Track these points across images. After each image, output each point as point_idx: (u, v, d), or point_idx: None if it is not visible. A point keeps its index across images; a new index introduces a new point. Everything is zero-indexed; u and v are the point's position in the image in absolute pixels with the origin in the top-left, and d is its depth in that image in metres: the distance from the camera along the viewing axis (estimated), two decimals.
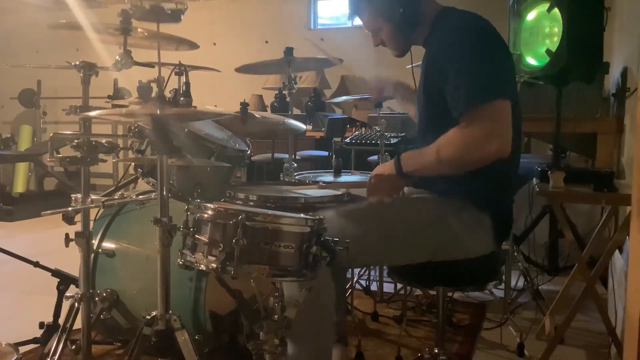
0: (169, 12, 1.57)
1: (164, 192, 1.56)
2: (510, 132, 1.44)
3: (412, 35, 1.69)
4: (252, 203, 1.67)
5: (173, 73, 1.74)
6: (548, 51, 2.12)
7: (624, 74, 2.91)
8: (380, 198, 1.59)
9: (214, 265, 1.30)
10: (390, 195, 1.60)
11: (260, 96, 5.48)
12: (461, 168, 1.49)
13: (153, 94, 1.63)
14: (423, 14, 1.66)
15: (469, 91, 1.45)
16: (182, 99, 1.64)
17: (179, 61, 1.74)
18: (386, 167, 1.59)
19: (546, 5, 2.15)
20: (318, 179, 2.28)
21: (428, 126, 1.67)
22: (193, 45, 1.93)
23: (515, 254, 2.92)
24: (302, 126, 2.34)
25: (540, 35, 2.22)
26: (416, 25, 1.66)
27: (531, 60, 2.29)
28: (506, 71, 1.56)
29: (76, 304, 1.86)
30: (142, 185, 2.16)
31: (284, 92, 4.48)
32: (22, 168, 6.03)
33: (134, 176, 2.18)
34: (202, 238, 1.33)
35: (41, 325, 2.09)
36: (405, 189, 1.83)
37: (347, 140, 3.40)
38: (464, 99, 1.46)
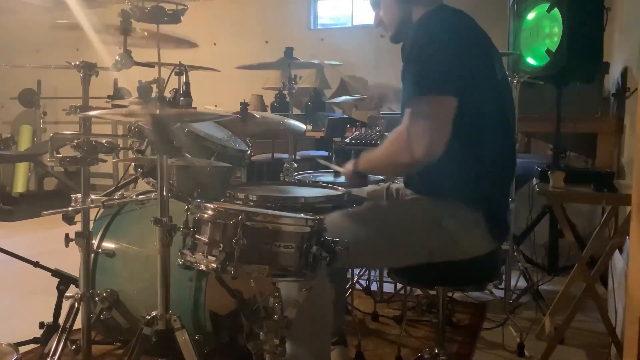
0: (170, 12, 1.56)
1: (164, 192, 1.56)
2: (445, 132, 1.42)
3: (408, 13, 1.67)
4: (252, 203, 1.67)
5: (173, 73, 1.73)
6: (548, 51, 2.12)
7: (624, 74, 2.91)
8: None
9: (214, 265, 1.30)
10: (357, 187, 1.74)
11: (260, 96, 5.48)
12: (394, 168, 1.59)
13: (153, 94, 1.63)
14: None
15: (412, 84, 1.48)
16: (182, 99, 1.63)
17: (179, 61, 1.73)
18: (349, 165, 1.70)
19: (546, 5, 2.16)
20: (318, 178, 2.28)
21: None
22: (193, 45, 1.93)
23: (515, 254, 2.92)
24: (302, 126, 2.34)
25: (540, 35, 2.23)
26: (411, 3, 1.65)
27: (531, 60, 2.29)
28: (462, 67, 1.47)
29: (76, 304, 1.86)
30: (142, 185, 2.16)
31: (284, 92, 4.48)
32: (22, 168, 6.03)
33: (134, 176, 2.18)
34: (202, 238, 1.33)
35: (41, 325, 2.09)
36: (401, 190, 1.85)
37: (347, 140, 3.39)
38: (407, 93, 1.49)
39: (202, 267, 1.34)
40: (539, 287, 2.82)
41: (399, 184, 1.91)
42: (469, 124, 1.48)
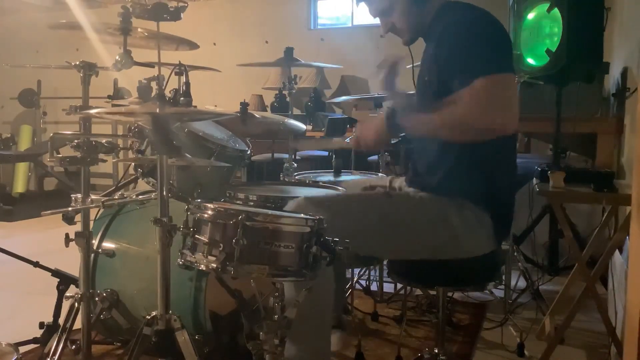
0: (171, 8, 1.56)
1: (164, 192, 1.56)
2: (517, 108, 1.44)
3: (424, 12, 1.67)
4: (252, 203, 1.67)
5: (173, 73, 1.73)
6: (548, 51, 2.12)
7: (624, 74, 2.91)
8: (360, 144, 1.67)
9: (214, 265, 1.30)
10: (372, 144, 1.67)
11: (260, 96, 5.48)
12: (462, 133, 1.47)
13: (153, 94, 1.63)
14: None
15: (478, 64, 1.45)
16: (182, 98, 1.64)
17: (179, 61, 1.74)
18: (377, 118, 1.64)
19: (546, 5, 2.15)
20: (318, 179, 2.28)
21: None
22: (193, 45, 1.93)
23: (515, 254, 2.92)
24: (302, 126, 2.35)
25: (540, 35, 2.22)
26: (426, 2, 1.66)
27: (531, 60, 2.29)
28: (507, 54, 1.57)
29: (76, 304, 1.86)
30: (142, 185, 2.16)
31: (284, 92, 4.49)
32: (22, 168, 6.03)
33: (134, 176, 2.18)
34: (202, 238, 1.33)
35: (41, 325, 2.09)
36: (405, 187, 1.84)
37: (347, 140, 3.39)
38: (475, 70, 1.44)
39: (202, 267, 1.34)
40: (539, 287, 2.82)
41: (400, 181, 1.91)
42: None
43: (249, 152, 2.16)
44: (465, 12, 1.60)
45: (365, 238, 1.51)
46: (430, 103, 1.65)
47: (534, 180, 2.25)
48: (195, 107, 1.68)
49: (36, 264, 2.18)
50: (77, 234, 1.80)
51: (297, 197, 1.76)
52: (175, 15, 1.58)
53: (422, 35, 1.72)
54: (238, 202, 1.70)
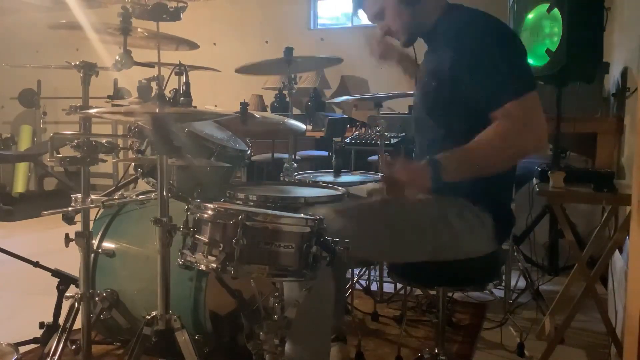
0: (171, 9, 1.57)
1: (164, 192, 1.56)
2: (545, 125, 1.45)
3: (417, 13, 1.65)
4: (252, 203, 1.67)
5: (173, 73, 1.73)
6: (548, 51, 2.12)
7: (624, 74, 2.91)
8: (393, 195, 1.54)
9: (214, 265, 1.30)
10: (411, 195, 1.56)
11: (260, 96, 5.48)
12: (500, 166, 1.50)
13: (153, 94, 1.63)
14: None
15: (500, 86, 1.46)
16: (182, 99, 1.64)
17: (179, 61, 1.74)
18: (419, 167, 1.47)
19: (546, 5, 2.15)
20: (318, 179, 2.28)
21: (439, 116, 1.65)
22: (193, 45, 1.93)
23: (515, 254, 2.92)
24: (302, 126, 2.34)
25: (540, 35, 2.22)
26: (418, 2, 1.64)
27: (531, 61, 2.29)
28: (528, 65, 1.60)
29: (76, 304, 1.86)
30: (142, 185, 2.16)
31: (284, 92, 4.48)
32: (22, 168, 6.03)
33: (134, 176, 2.18)
34: (202, 238, 1.33)
35: (41, 325, 2.09)
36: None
37: (347, 140, 3.39)
38: (496, 94, 1.45)
39: (202, 267, 1.34)
40: (539, 287, 2.82)
41: None
42: (483, 123, 1.48)
43: (249, 152, 2.16)
44: (479, 20, 1.58)
45: (368, 244, 1.50)
46: (434, 107, 1.65)
47: (534, 180, 2.25)
48: (195, 107, 1.68)
49: (36, 264, 2.18)
50: (77, 234, 1.80)
51: (297, 197, 1.76)
52: (175, 15, 1.58)
53: (423, 36, 1.71)
54: (238, 202, 1.69)
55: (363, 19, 1.78)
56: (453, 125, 1.59)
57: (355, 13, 1.79)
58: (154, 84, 1.72)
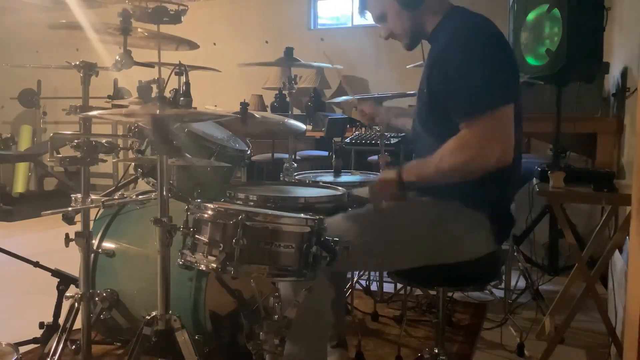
0: (171, 12, 1.56)
1: (164, 192, 1.56)
2: (512, 140, 1.42)
3: (418, 17, 1.64)
4: (252, 203, 1.67)
5: (173, 73, 1.73)
6: (548, 51, 2.12)
7: (624, 74, 2.91)
8: (379, 202, 1.59)
9: (214, 265, 1.30)
10: (390, 201, 1.58)
11: (260, 96, 5.48)
12: (461, 177, 1.47)
13: (153, 94, 1.63)
14: None
15: (470, 98, 1.45)
16: (182, 99, 1.64)
17: (179, 61, 1.74)
18: (390, 174, 1.56)
19: (546, 6, 2.15)
20: (318, 179, 2.28)
21: (428, 124, 1.65)
22: (193, 45, 1.93)
23: (515, 254, 2.92)
24: (302, 126, 2.34)
25: (540, 35, 2.22)
26: (420, 2, 1.62)
27: (531, 60, 2.29)
28: (510, 73, 1.54)
29: (76, 304, 1.86)
30: (142, 185, 2.16)
31: (284, 92, 4.49)
32: (22, 168, 6.04)
33: (134, 176, 2.18)
34: (202, 238, 1.33)
35: (41, 325, 2.09)
36: None
37: (347, 140, 3.40)
38: (465, 106, 1.45)
39: (202, 267, 1.34)
40: (539, 287, 2.82)
41: None
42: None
43: (249, 152, 2.16)
44: (468, 28, 1.56)
45: (365, 254, 1.50)
46: (420, 112, 1.65)
47: (534, 180, 2.25)
48: (195, 107, 1.68)
49: (36, 264, 2.18)
50: (77, 234, 1.81)
51: (297, 197, 1.76)
52: (175, 18, 1.58)
53: (426, 39, 1.69)
54: (238, 202, 1.69)
55: (369, 19, 1.77)
56: (436, 130, 1.58)
57: (362, 14, 1.77)
58: (154, 84, 1.71)
